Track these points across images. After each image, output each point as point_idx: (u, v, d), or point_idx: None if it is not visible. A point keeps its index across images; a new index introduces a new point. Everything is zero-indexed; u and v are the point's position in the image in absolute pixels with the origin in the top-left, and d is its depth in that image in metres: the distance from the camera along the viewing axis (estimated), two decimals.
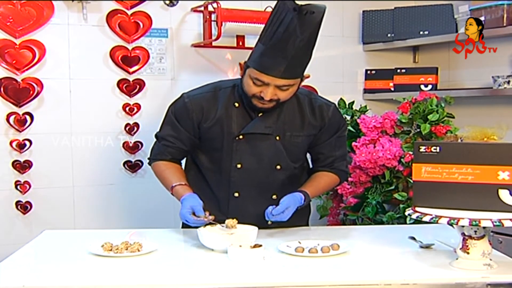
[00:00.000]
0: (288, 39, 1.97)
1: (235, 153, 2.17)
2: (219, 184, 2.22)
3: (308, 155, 2.36)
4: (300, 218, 2.27)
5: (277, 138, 2.18)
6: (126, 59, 3.14)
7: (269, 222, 2.11)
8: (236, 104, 2.17)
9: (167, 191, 2.20)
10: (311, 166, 2.37)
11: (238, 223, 2.03)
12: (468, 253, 1.71)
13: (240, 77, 2.16)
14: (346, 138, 2.36)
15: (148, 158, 2.31)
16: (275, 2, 2.02)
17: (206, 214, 1.98)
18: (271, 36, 2.00)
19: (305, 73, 2.11)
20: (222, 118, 2.16)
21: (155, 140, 2.29)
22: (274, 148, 2.18)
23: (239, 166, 2.18)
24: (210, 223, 1.99)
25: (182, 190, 2.11)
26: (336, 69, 3.67)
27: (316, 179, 2.26)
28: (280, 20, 1.98)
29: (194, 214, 1.98)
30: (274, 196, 2.19)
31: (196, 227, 1.98)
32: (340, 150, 2.29)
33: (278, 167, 2.20)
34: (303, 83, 2.16)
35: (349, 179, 3.08)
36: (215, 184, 2.23)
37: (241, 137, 2.16)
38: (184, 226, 2.30)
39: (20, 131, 2.95)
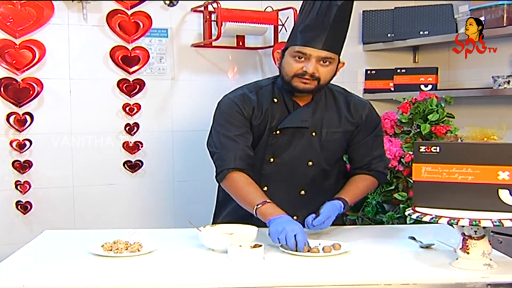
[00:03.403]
0: (326, 10, 2.06)
1: (269, 147, 2.17)
2: None
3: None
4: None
5: (313, 134, 2.18)
6: (126, 59, 3.14)
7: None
8: (275, 100, 2.19)
9: (243, 206, 2.07)
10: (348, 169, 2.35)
11: None
12: (468, 253, 1.71)
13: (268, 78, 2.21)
14: (383, 138, 2.34)
15: (220, 172, 2.11)
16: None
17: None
18: (308, 12, 2.09)
19: (340, 63, 2.16)
20: (268, 113, 2.17)
21: (216, 154, 2.16)
22: (309, 144, 2.18)
23: (271, 160, 2.18)
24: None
25: (273, 209, 1.98)
26: None
27: (354, 184, 2.22)
28: None
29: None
30: (302, 192, 2.20)
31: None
32: (378, 150, 2.27)
33: (310, 163, 2.19)
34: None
35: None
36: None
37: (278, 132, 2.17)
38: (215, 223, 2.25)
39: (20, 131, 2.95)
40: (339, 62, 2.15)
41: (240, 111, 2.16)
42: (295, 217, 2.06)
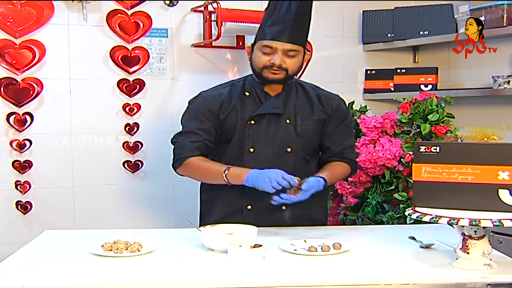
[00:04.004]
0: (288, 6, 2.20)
1: (247, 138, 2.27)
2: None
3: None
4: (319, 212, 2.36)
5: (287, 121, 2.28)
6: (126, 59, 3.14)
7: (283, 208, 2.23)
8: (247, 93, 2.31)
9: (212, 180, 2.22)
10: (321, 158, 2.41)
11: (252, 209, 2.20)
12: (468, 253, 1.71)
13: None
14: (353, 129, 2.46)
15: (177, 160, 2.28)
16: None
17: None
18: (272, 10, 2.23)
19: (306, 54, 2.29)
20: (236, 106, 2.28)
21: (175, 143, 2.30)
22: (285, 130, 2.28)
23: (251, 150, 2.26)
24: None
25: (240, 169, 2.15)
26: (336, 69, 3.67)
27: (331, 168, 2.32)
28: None
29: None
30: None
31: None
32: (349, 140, 2.39)
33: (289, 149, 2.28)
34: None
35: (349, 179, 3.08)
36: None
37: (253, 122, 2.26)
38: (205, 223, 2.28)
39: (20, 131, 2.95)
40: (305, 53, 2.28)
41: (208, 106, 2.28)
42: (284, 207, 2.21)
